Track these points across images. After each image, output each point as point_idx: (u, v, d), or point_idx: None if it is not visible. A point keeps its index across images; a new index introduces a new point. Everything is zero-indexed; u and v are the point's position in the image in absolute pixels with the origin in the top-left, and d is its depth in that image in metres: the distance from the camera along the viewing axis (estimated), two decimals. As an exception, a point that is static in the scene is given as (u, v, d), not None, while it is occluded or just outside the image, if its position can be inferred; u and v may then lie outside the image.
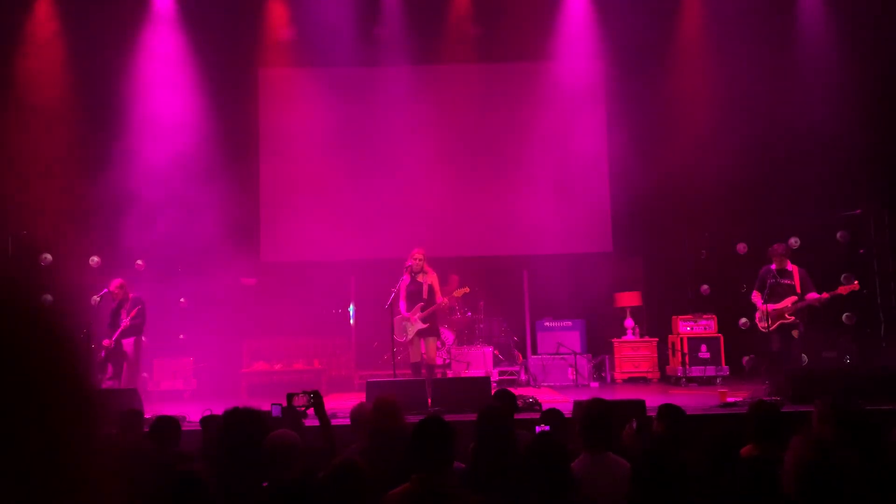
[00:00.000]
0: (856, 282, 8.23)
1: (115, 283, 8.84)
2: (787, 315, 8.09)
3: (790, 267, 8.22)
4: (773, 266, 8.27)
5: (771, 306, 8.07)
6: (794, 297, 8.08)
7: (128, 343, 8.75)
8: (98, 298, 9.13)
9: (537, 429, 4.14)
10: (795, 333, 8.15)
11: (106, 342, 8.67)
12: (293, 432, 3.42)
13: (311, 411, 4.29)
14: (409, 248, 8.85)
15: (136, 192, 10.18)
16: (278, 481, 3.06)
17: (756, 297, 8.28)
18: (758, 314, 8.21)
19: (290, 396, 4.26)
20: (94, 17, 10.38)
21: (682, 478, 2.54)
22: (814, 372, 8.29)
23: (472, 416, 6.30)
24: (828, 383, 6.92)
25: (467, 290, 9.03)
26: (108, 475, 0.81)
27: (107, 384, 8.61)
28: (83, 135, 10.16)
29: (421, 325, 8.49)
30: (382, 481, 3.28)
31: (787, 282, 8.15)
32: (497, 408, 4.24)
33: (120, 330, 8.67)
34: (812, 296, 8.07)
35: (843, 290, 8.07)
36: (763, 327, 8.15)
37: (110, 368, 8.75)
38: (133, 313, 8.69)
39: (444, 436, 3.07)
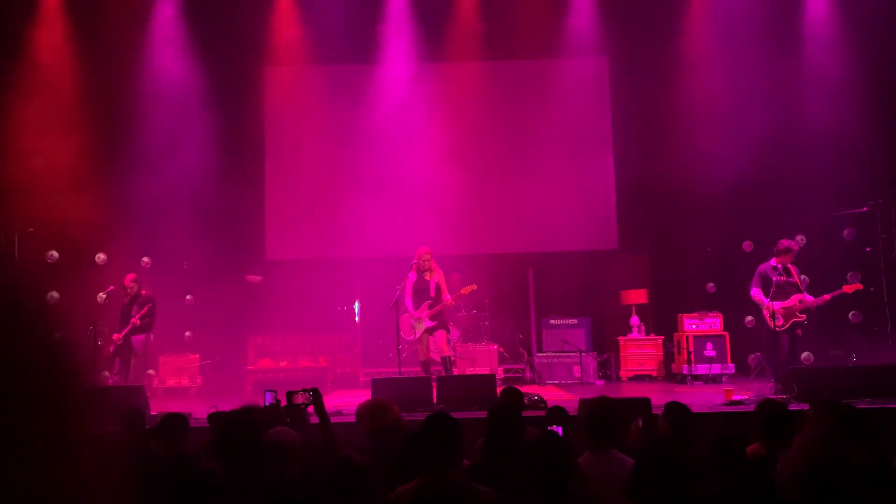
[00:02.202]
0: (860, 283, 8.20)
1: (129, 278, 8.89)
2: (798, 313, 8.08)
3: (790, 265, 8.17)
4: (774, 263, 8.22)
5: (778, 304, 8.03)
6: (800, 295, 8.07)
7: (137, 340, 8.79)
8: (104, 296, 9.17)
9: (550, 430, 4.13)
10: (799, 332, 8.14)
11: (115, 336, 8.71)
12: (291, 430, 3.44)
13: (310, 409, 4.30)
14: (414, 246, 8.87)
15: (142, 191, 10.21)
16: (279, 479, 3.07)
17: (759, 296, 8.22)
18: (766, 312, 8.17)
19: (289, 395, 4.27)
20: (101, 17, 10.40)
21: (683, 474, 2.54)
22: (820, 370, 8.26)
23: (478, 414, 6.32)
24: (834, 381, 6.91)
25: (475, 287, 9.04)
26: (102, 471, 0.81)
27: (113, 380, 8.65)
28: (88, 133, 10.16)
29: (429, 324, 8.53)
30: (383, 478, 3.30)
31: (792, 280, 8.13)
32: (508, 404, 4.25)
33: (129, 327, 8.72)
34: (816, 300, 8.06)
35: (847, 288, 8.04)
36: (777, 326, 8.07)
37: (118, 364, 8.79)
38: (143, 312, 8.74)
39: (453, 432, 3.10)
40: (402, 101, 11.27)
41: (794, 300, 8.05)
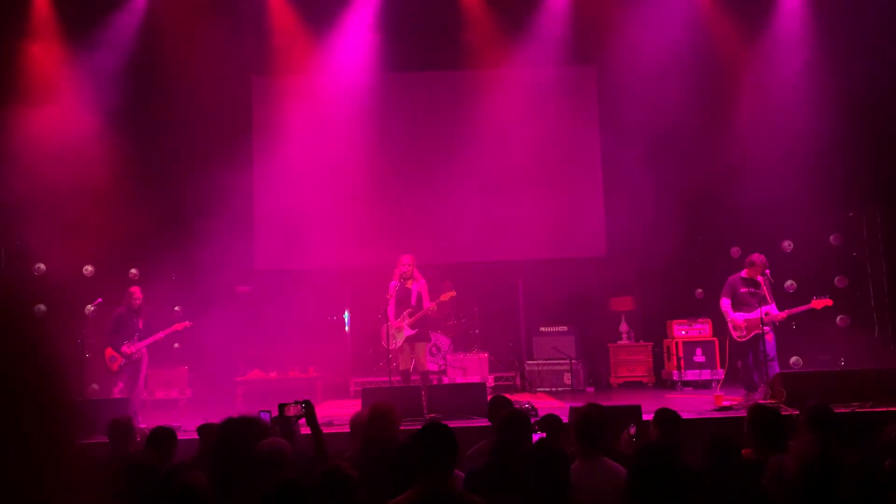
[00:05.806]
0: (829, 299, 8.14)
1: (137, 290, 8.74)
2: (762, 326, 8.04)
3: (759, 277, 8.10)
4: (744, 274, 8.18)
5: (743, 316, 8.01)
6: (766, 308, 7.96)
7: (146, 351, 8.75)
8: (92, 308, 9.07)
9: (534, 436, 4.12)
10: (770, 338, 8.05)
11: (125, 349, 8.44)
12: (284, 441, 3.41)
13: (302, 420, 4.26)
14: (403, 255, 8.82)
15: (129, 201, 10.14)
16: (270, 488, 3.05)
17: (726, 306, 8.20)
18: (730, 325, 8.17)
19: (281, 407, 4.23)
20: (88, 21, 10.37)
21: (677, 480, 2.54)
22: (808, 374, 8.29)
23: (469, 423, 6.32)
24: (822, 386, 6.93)
25: (454, 293, 8.93)
26: (88, 483, 0.80)
27: (122, 393, 8.40)
28: (73, 139, 10.11)
29: (409, 332, 8.38)
30: (373, 489, 3.27)
31: (760, 292, 8.06)
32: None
33: (152, 338, 8.56)
34: (780, 314, 8.02)
35: (816, 304, 8.00)
36: (739, 337, 8.08)
37: (126, 376, 8.58)
38: (168, 331, 8.66)
39: (449, 442, 3.08)
40: (390, 110, 11.28)
41: (758, 313, 8.01)
